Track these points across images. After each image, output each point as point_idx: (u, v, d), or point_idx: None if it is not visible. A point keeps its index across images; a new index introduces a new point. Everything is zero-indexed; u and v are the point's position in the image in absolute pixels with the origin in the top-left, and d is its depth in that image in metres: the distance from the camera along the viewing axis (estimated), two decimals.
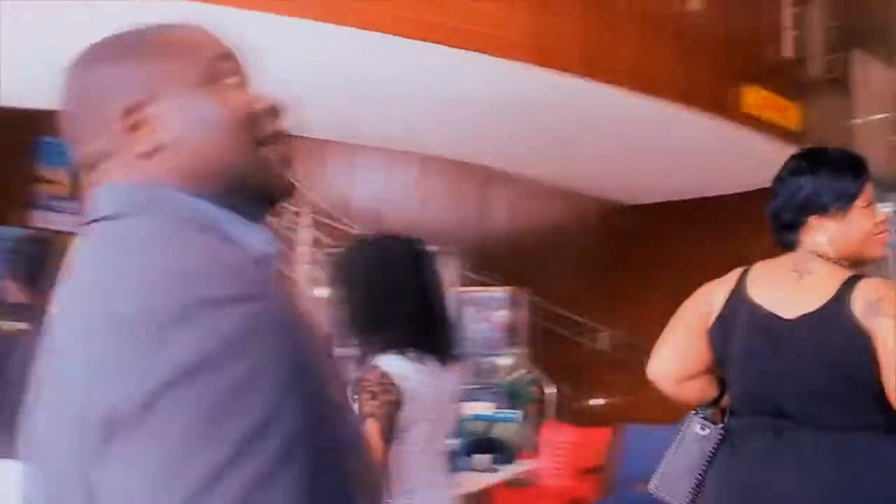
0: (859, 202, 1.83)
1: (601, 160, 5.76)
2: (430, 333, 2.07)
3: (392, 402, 1.89)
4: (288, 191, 0.95)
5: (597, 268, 6.61)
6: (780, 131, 4.72)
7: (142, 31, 0.96)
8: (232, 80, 0.93)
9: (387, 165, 5.86)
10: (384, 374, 1.88)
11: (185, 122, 0.90)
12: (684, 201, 6.49)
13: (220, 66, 0.93)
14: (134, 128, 0.89)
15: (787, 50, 5.07)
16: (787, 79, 4.98)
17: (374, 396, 1.88)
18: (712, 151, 5.10)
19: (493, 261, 5.84)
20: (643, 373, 1.94)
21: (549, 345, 5.92)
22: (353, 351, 1.98)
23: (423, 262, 2.16)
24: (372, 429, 1.83)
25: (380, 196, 5.70)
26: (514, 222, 6.53)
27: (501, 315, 5.73)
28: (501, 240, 6.26)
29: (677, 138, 4.96)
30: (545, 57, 4.07)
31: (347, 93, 4.52)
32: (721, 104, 4.40)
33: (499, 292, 5.78)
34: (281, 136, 0.94)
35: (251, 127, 0.92)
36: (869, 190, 1.86)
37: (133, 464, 0.67)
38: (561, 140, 5.41)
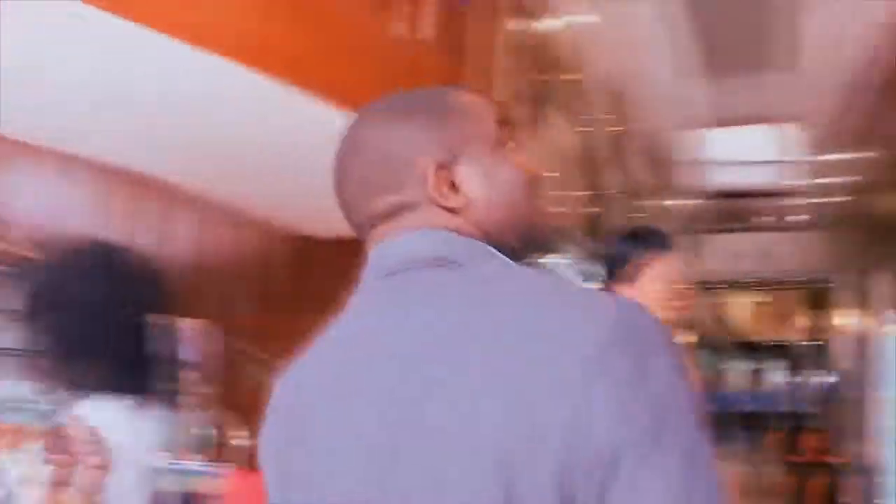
0: (648, 270, 2.07)
1: (296, 190, 5.43)
2: (137, 369, 1.63)
3: (100, 467, 1.42)
4: (549, 237, 1.27)
5: (286, 302, 6.25)
6: None
7: (433, 93, 1.13)
8: (512, 143, 1.11)
9: (53, 173, 5.03)
10: (91, 430, 1.41)
11: (487, 183, 1.07)
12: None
13: (504, 130, 1.11)
14: (446, 184, 1.05)
15: (507, 94, 5.19)
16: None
17: (75, 459, 1.39)
18: None
19: (175, 290, 5.26)
20: None
21: (234, 384, 5.44)
22: (47, 393, 1.48)
23: (133, 279, 1.71)
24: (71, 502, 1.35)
25: (44, 209, 4.86)
26: (198, 249, 5.97)
27: (185, 349, 5.16)
28: (185, 267, 5.68)
29: None
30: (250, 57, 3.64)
31: None
32: None
33: (181, 324, 5.21)
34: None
35: (534, 186, 1.10)
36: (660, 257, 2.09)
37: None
38: (253, 162, 5.02)
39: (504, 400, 0.84)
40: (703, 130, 12.17)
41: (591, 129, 7.64)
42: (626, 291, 2.13)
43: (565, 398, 0.82)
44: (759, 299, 25.95)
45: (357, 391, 0.99)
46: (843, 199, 12.87)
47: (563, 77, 6.97)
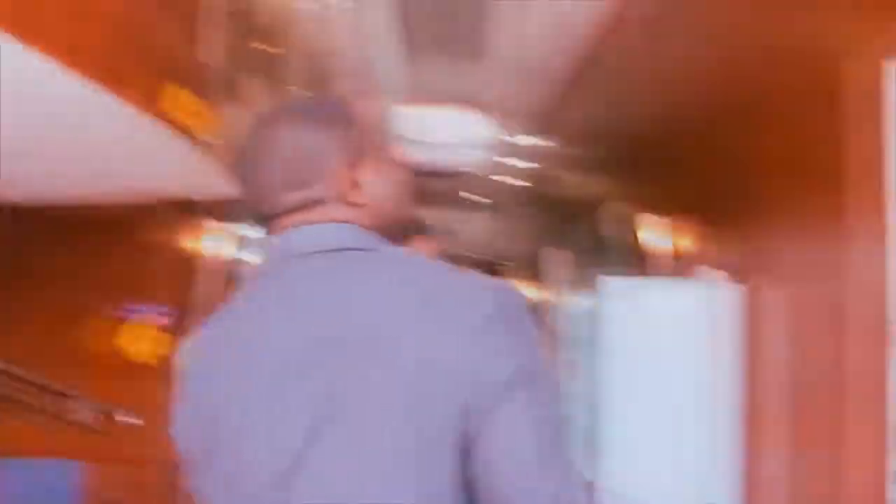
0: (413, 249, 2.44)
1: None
2: None
3: None
4: (416, 224, 2.11)
5: None
6: (195, 139, 4.38)
7: (337, 101, 1.35)
8: (392, 144, 1.36)
9: None
10: None
11: (381, 182, 1.33)
12: (87, 207, 5.53)
13: (387, 134, 1.37)
14: (353, 183, 1.30)
15: (211, 56, 4.79)
16: (206, 84, 4.67)
17: None
18: (129, 153, 4.49)
19: None
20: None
21: None
22: None
23: None
24: None
25: None
26: None
27: None
28: None
29: (97, 130, 4.17)
30: None
31: None
32: (145, 99, 3.86)
33: None
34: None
35: (410, 180, 1.38)
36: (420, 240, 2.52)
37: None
38: None
39: (416, 354, 1.10)
40: (398, 108, 12.44)
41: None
42: None
43: (462, 353, 1.11)
44: None
45: (281, 352, 1.15)
46: (525, 182, 13.90)
47: (265, 47, 6.71)
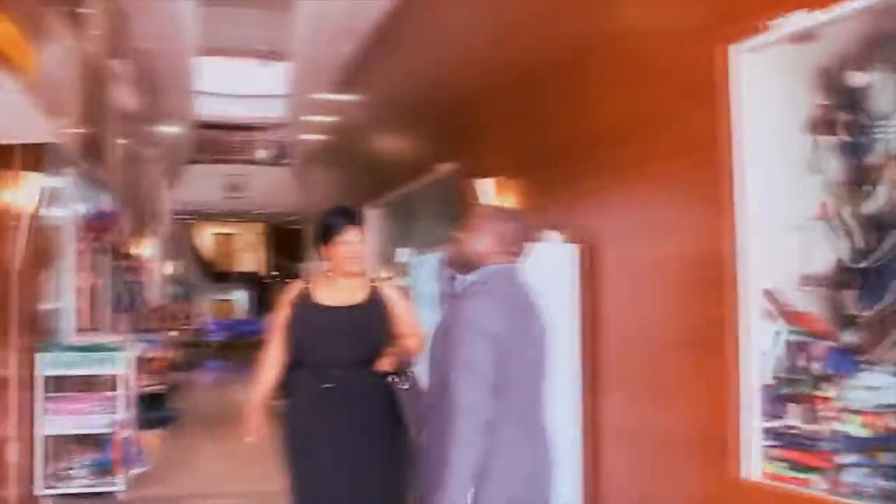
0: (338, 238, 2.85)
1: None
2: None
3: None
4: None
5: None
6: (14, 72, 3.89)
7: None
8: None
9: None
10: None
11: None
12: None
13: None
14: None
15: None
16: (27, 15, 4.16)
17: None
18: None
19: None
20: None
21: None
22: None
23: None
24: None
25: None
26: None
27: None
28: None
29: None
30: None
31: None
32: None
33: None
34: None
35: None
36: (347, 230, 2.86)
37: None
38: None
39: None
40: (195, 58, 11.84)
41: (91, 47, 6.86)
42: (328, 251, 2.89)
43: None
44: (227, 231, 26.61)
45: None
46: (322, 136, 13.69)
47: None
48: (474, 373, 2.16)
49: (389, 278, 4.19)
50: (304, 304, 2.94)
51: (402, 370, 2.83)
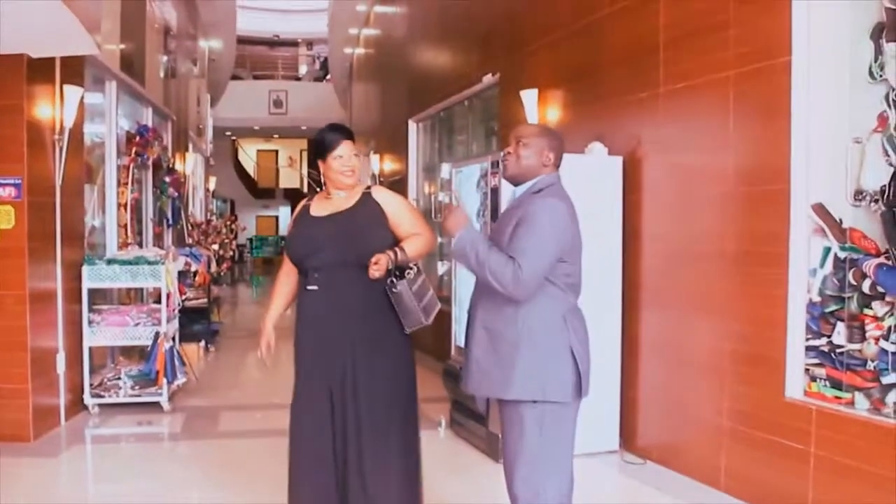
0: (333, 153, 2.95)
1: None
2: None
3: None
4: None
5: None
6: None
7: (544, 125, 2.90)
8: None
9: None
10: None
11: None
12: None
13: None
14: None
15: None
16: None
17: None
18: None
19: None
20: None
21: None
22: None
23: None
24: None
25: None
26: None
27: None
28: None
29: None
30: None
31: None
32: None
33: None
34: None
35: None
36: (340, 145, 2.96)
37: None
38: None
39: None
40: None
41: None
42: (325, 166, 2.97)
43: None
44: (270, 147, 26.65)
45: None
46: (364, 51, 13.48)
47: None
48: (540, 257, 2.34)
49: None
50: (301, 218, 3.04)
51: (403, 268, 2.81)
